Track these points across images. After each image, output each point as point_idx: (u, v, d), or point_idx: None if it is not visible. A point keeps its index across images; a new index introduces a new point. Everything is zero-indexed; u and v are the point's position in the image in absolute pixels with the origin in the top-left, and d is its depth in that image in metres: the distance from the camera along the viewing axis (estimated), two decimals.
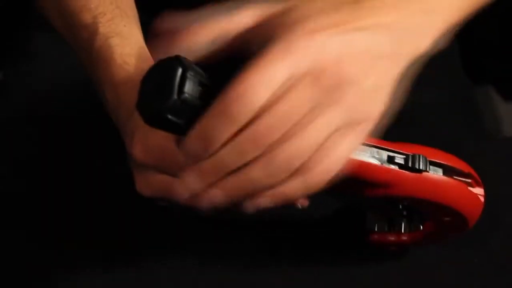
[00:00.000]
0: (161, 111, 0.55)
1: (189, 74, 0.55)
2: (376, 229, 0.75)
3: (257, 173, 0.56)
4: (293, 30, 0.56)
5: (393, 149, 0.65)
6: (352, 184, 0.64)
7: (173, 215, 0.69)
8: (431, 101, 0.88)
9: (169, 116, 0.55)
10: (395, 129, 0.62)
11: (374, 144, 0.64)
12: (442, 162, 0.66)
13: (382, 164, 0.64)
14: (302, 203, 0.61)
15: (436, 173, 0.66)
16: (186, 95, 0.55)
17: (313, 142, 0.56)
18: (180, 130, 0.57)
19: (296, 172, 0.56)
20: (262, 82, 0.54)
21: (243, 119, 0.55)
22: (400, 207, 0.70)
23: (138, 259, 0.74)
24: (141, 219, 0.75)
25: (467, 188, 0.67)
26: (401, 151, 0.65)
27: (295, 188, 0.57)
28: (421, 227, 0.72)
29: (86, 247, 0.75)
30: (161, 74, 0.56)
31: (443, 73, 0.91)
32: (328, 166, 0.57)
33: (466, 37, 0.71)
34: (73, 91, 0.86)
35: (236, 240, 0.76)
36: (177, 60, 0.56)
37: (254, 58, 0.55)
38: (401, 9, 0.61)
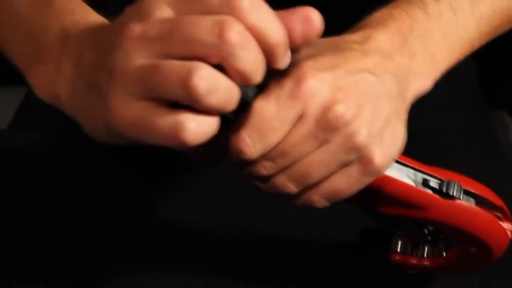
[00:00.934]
0: None
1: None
2: (398, 250, 0.75)
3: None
4: (299, 67, 0.58)
5: (429, 172, 0.65)
6: (383, 200, 0.65)
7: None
8: (448, 124, 0.89)
9: None
10: (408, 152, 0.63)
11: (411, 165, 0.65)
12: (475, 192, 0.66)
13: (416, 185, 0.65)
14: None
15: (468, 202, 0.66)
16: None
17: (321, 166, 0.59)
18: (227, 123, 0.57)
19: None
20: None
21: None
22: (426, 231, 0.70)
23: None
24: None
25: (497, 222, 0.67)
26: (436, 176, 0.65)
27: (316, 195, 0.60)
28: (444, 254, 0.72)
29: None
30: None
31: (461, 97, 0.92)
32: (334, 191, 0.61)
33: (484, 60, 0.71)
34: None
35: (258, 261, 0.76)
36: None
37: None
38: (405, 52, 0.63)
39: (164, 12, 0.53)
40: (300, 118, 0.58)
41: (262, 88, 0.58)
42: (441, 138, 0.86)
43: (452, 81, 0.71)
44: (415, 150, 0.66)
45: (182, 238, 0.76)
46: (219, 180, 0.79)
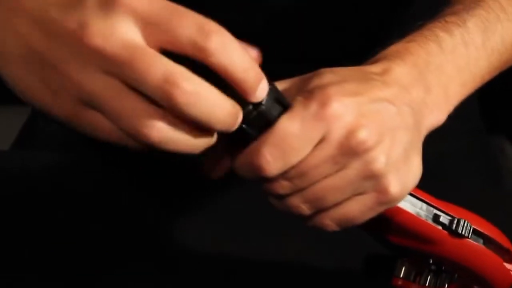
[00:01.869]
0: None
1: (268, 88, 0.56)
2: (401, 275, 0.75)
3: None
4: (325, 90, 0.58)
5: (440, 208, 0.66)
6: (392, 229, 0.65)
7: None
8: (447, 151, 0.89)
9: (244, 126, 0.57)
10: None
11: (424, 199, 0.65)
12: (484, 232, 0.67)
13: (427, 220, 0.65)
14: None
15: (476, 242, 0.66)
16: (263, 107, 0.56)
17: (337, 191, 0.59)
18: (247, 141, 0.58)
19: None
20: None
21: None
22: (431, 261, 0.71)
23: None
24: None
25: (502, 263, 0.67)
26: (448, 212, 0.66)
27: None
28: (446, 286, 0.73)
29: None
30: None
31: (460, 123, 0.92)
32: (346, 217, 0.61)
33: (485, 86, 0.72)
34: None
35: (262, 284, 0.77)
36: None
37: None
38: (420, 86, 0.64)
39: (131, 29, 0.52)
40: (323, 140, 0.58)
41: (287, 108, 0.58)
42: (441, 165, 0.87)
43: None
44: None
45: (188, 261, 0.77)
46: (225, 203, 0.80)
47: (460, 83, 0.67)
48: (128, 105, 0.51)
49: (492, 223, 0.68)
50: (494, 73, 0.71)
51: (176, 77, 0.50)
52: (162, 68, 0.50)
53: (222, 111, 0.52)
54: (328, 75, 0.61)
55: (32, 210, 0.79)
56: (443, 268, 0.72)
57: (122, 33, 0.51)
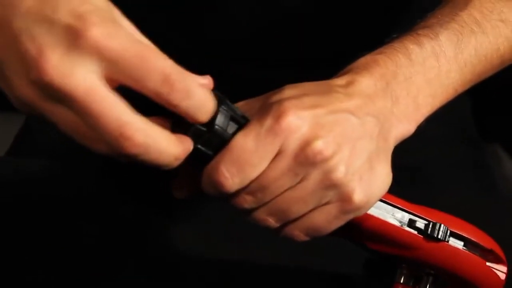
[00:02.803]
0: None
1: (222, 108, 0.58)
2: (401, 282, 0.76)
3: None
4: (281, 105, 0.60)
5: (416, 213, 0.66)
6: (370, 237, 0.66)
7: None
8: (441, 158, 0.88)
9: (199, 146, 0.58)
10: (403, 187, 0.65)
11: (398, 205, 0.66)
12: (464, 234, 0.66)
13: (402, 226, 0.65)
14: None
15: (455, 245, 0.66)
16: (217, 127, 0.58)
17: (300, 202, 0.61)
18: (207, 160, 0.60)
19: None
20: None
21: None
22: None
23: None
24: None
25: (485, 264, 0.67)
26: (423, 217, 0.66)
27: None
28: None
29: None
30: None
31: (453, 131, 0.91)
32: (313, 227, 0.62)
33: (478, 94, 0.72)
34: None
35: None
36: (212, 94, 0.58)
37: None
38: (388, 97, 0.65)
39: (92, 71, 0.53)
40: (279, 153, 0.60)
41: (243, 126, 0.60)
42: (434, 173, 0.86)
43: (444, 115, 0.71)
44: (407, 184, 0.67)
45: (184, 264, 0.78)
46: (222, 205, 0.81)
47: (430, 94, 0.67)
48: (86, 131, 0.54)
49: (476, 226, 0.68)
50: (468, 85, 0.71)
51: (128, 129, 0.53)
52: (116, 118, 0.53)
53: (168, 156, 0.56)
54: (289, 90, 0.63)
55: (26, 217, 0.80)
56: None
57: (82, 75, 0.52)
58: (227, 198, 0.61)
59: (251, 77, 0.82)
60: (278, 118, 0.59)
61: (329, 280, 0.79)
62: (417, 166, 0.73)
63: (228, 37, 0.84)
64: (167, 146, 0.55)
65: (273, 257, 0.78)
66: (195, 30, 0.86)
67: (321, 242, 0.66)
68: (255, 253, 0.79)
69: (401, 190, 0.66)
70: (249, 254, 0.79)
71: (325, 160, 0.60)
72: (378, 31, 0.73)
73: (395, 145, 0.65)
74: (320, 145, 0.60)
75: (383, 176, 0.63)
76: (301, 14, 0.84)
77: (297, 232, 0.63)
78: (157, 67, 0.53)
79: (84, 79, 0.52)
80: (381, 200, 0.65)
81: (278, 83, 0.64)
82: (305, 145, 0.59)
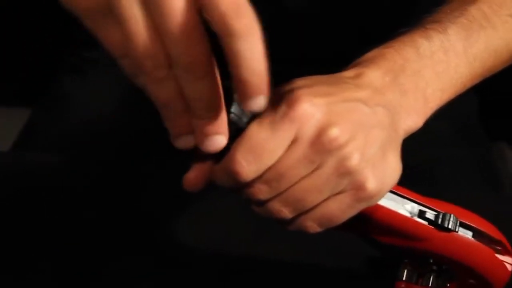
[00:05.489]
0: None
1: (236, 97, 0.58)
2: (404, 279, 0.75)
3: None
4: (294, 93, 0.60)
5: (426, 204, 0.66)
6: (380, 229, 0.66)
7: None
8: (447, 156, 0.89)
9: None
10: (408, 185, 0.64)
11: (408, 196, 0.66)
12: (473, 225, 0.67)
13: (412, 216, 0.65)
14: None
15: (465, 235, 0.66)
16: (232, 115, 0.58)
17: (315, 191, 0.60)
18: (222, 150, 0.59)
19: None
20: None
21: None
22: (431, 261, 0.71)
23: None
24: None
25: (494, 255, 0.67)
26: (433, 208, 0.66)
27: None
28: (448, 285, 0.73)
29: None
30: None
31: (460, 129, 0.92)
32: (327, 217, 0.62)
33: (485, 93, 0.72)
34: (98, 134, 0.89)
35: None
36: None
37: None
38: (396, 90, 0.65)
39: None
40: (295, 141, 0.59)
41: (257, 114, 0.59)
42: (440, 171, 0.87)
43: (450, 113, 0.72)
44: (413, 182, 0.67)
45: (185, 259, 0.78)
46: (224, 202, 0.81)
47: (438, 88, 0.68)
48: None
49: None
50: (477, 79, 0.72)
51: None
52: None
53: None
54: (300, 81, 0.63)
55: (31, 211, 0.80)
56: (443, 267, 0.72)
57: None
58: (241, 189, 0.61)
59: None
60: (293, 105, 0.59)
61: (332, 278, 0.78)
62: (421, 163, 0.73)
63: None
64: None
65: (275, 254, 0.78)
66: None
67: (324, 239, 0.66)
68: (256, 249, 0.78)
69: (403, 186, 0.66)
70: (250, 250, 0.78)
71: (340, 147, 0.60)
72: (382, 30, 0.73)
73: (404, 137, 0.65)
74: (336, 132, 0.59)
75: (395, 165, 0.63)
76: (303, 13, 0.85)
77: (310, 223, 0.62)
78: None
79: None
80: (391, 191, 0.65)
81: (282, 80, 0.64)
82: (321, 131, 0.59)
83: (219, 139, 0.58)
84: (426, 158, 0.71)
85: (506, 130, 1.15)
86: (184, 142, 0.59)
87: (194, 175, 0.62)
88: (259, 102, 0.55)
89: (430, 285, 0.74)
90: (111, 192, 0.81)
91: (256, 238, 0.78)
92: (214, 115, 0.57)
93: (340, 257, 0.79)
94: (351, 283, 0.79)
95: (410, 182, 0.67)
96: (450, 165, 0.89)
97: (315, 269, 0.79)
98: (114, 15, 0.53)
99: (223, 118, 0.57)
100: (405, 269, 0.76)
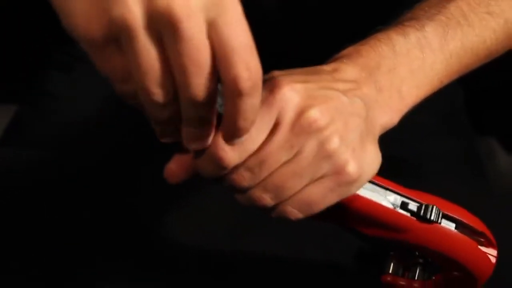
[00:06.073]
0: None
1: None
2: (390, 271, 0.75)
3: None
4: (274, 80, 0.61)
5: (408, 195, 0.66)
6: (362, 221, 0.66)
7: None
8: (433, 150, 0.89)
9: None
10: (392, 178, 0.64)
11: (391, 188, 0.66)
12: (456, 216, 0.67)
13: (394, 208, 0.65)
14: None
15: (448, 227, 0.66)
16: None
17: (296, 176, 0.61)
18: None
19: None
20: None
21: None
22: (417, 254, 0.71)
23: None
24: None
25: (477, 246, 0.67)
26: (416, 199, 0.66)
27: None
28: (434, 277, 0.73)
29: None
30: None
31: (446, 123, 0.92)
32: (308, 202, 0.62)
33: (472, 87, 0.72)
34: (85, 131, 0.89)
35: (254, 283, 0.78)
36: None
37: None
38: (372, 86, 0.66)
39: None
40: (275, 125, 0.60)
41: None
42: (426, 165, 0.87)
43: (435, 106, 0.72)
44: (398, 174, 0.67)
45: (183, 258, 0.78)
46: (220, 200, 0.81)
47: (414, 85, 0.68)
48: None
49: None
50: (454, 76, 0.72)
51: None
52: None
53: None
54: (279, 71, 0.63)
55: (16, 209, 0.80)
56: (429, 260, 0.72)
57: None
58: (224, 178, 0.61)
59: None
60: (272, 90, 0.60)
61: (321, 270, 0.79)
62: (406, 157, 0.73)
63: None
64: None
65: (266, 247, 0.78)
66: None
67: (312, 233, 0.66)
68: (249, 244, 0.79)
69: (387, 179, 0.67)
70: (243, 245, 0.79)
71: (320, 130, 0.60)
72: (370, 28, 0.74)
73: (380, 134, 0.66)
74: (315, 114, 0.60)
75: (374, 155, 0.64)
76: (288, 11, 0.85)
77: (291, 209, 0.63)
78: (254, 59, 0.54)
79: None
80: (373, 183, 0.65)
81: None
82: (301, 114, 0.60)
83: (206, 141, 0.59)
84: (411, 151, 0.71)
85: (494, 126, 1.15)
86: (170, 139, 0.60)
87: (175, 166, 0.62)
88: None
89: (416, 278, 0.74)
90: (98, 189, 0.81)
91: (245, 234, 0.79)
92: (206, 127, 0.58)
93: (327, 252, 0.79)
94: (338, 276, 0.79)
95: (395, 174, 0.68)
96: (436, 158, 0.89)
97: (302, 262, 0.79)
98: (124, 47, 0.53)
99: (213, 123, 0.58)
100: (391, 262, 0.76)
